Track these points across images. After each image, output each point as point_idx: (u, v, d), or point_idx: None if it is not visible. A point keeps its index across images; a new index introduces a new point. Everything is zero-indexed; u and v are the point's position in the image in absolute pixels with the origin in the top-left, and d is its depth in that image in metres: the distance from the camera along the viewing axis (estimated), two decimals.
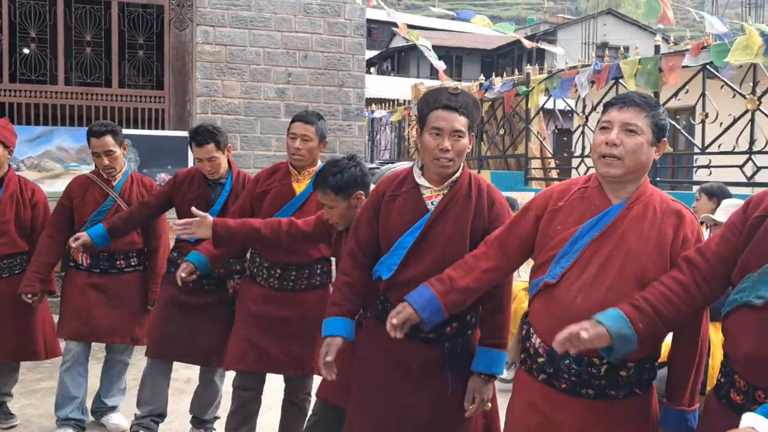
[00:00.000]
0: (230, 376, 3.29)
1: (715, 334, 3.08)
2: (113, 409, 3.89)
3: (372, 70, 28.43)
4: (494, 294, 2.44)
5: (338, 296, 2.57)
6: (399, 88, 16.75)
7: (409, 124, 11.46)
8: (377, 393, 2.53)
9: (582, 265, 2.06)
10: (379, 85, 17.79)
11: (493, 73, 9.00)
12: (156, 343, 3.52)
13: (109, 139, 3.67)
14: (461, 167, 2.52)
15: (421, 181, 2.52)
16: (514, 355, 2.37)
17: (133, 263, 3.77)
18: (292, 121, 3.28)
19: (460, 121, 2.40)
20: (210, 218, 2.88)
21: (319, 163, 3.28)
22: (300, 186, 3.27)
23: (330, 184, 2.74)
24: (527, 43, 6.96)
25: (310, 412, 2.92)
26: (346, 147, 6.98)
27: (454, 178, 2.49)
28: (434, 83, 11.49)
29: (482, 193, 2.50)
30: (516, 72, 8.93)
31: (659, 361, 2.19)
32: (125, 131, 6.27)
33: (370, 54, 26.82)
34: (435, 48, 8.40)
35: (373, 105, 13.36)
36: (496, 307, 2.46)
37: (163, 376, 3.57)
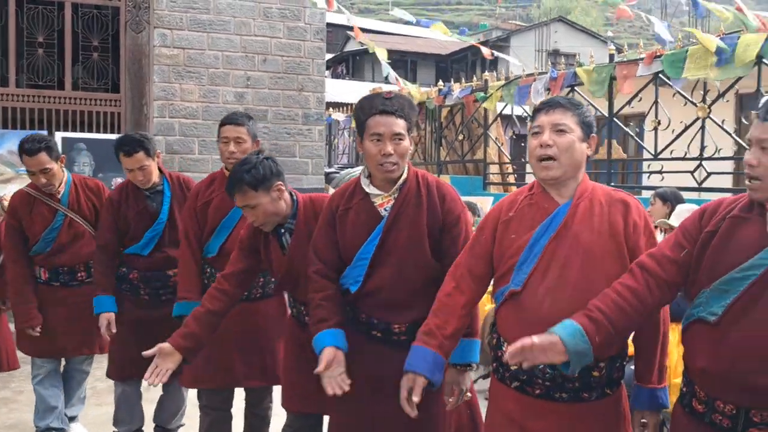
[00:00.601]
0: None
1: (672, 334, 3.18)
2: (73, 419, 3.80)
3: (327, 73, 28.35)
4: None
5: (322, 312, 2.52)
6: (356, 92, 16.76)
7: None
8: (354, 402, 2.53)
9: (543, 268, 2.09)
10: (335, 89, 17.75)
11: (452, 79, 9.10)
12: (120, 367, 3.40)
13: (43, 156, 3.43)
14: (406, 168, 2.53)
15: (370, 189, 2.52)
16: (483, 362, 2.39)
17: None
18: (222, 125, 3.18)
19: (399, 124, 2.41)
20: (167, 346, 2.61)
21: None
22: None
23: (247, 182, 2.64)
24: (485, 51, 7.05)
25: (284, 425, 2.89)
26: (306, 151, 6.96)
27: (402, 180, 2.50)
28: (393, 88, 11.54)
29: (432, 190, 2.51)
30: (473, 78, 9.04)
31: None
32: (79, 135, 6.16)
33: (326, 57, 26.76)
34: (390, 52, 8.44)
35: (331, 109, 13.33)
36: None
37: (136, 394, 3.47)
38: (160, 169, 3.49)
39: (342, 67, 32.02)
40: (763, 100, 1.84)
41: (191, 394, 3.40)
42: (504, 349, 2.17)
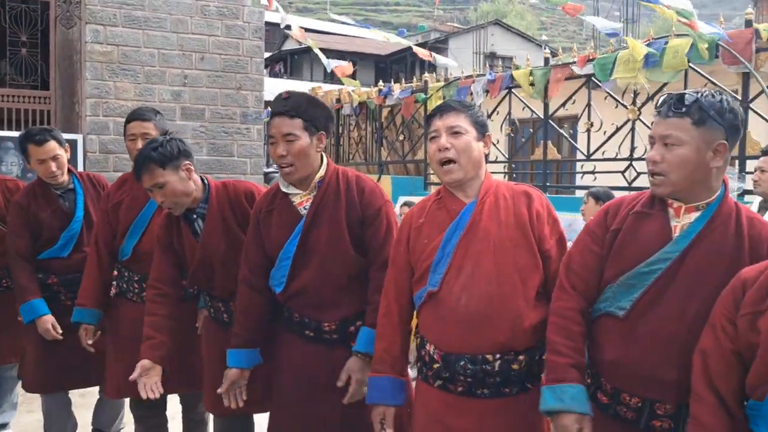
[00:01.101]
0: None
1: None
2: (5, 426, 3.66)
3: (265, 72, 28.07)
4: (376, 277, 2.46)
5: (236, 328, 2.56)
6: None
7: None
8: (289, 401, 2.53)
9: (457, 266, 2.13)
10: (274, 88, 17.59)
11: (392, 80, 9.15)
12: (42, 379, 3.24)
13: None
14: (325, 165, 2.54)
15: (288, 189, 2.53)
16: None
17: None
18: (128, 122, 3.09)
19: (291, 124, 2.41)
20: (146, 362, 2.62)
21: None
22: None
23: (155, 159, 2.61)
24: (423, 53, 7.12)
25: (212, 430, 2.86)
26: (245, 150, 6.87)
27: (319, 177, 2.51)
28: (332, 87, 11.52)
29: (351, 185, 2.52)
30: (413, 78, 9.12)
31: None
32: (7, 133, 5.90)
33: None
34: (329, 52, 8.42)
35: (269, 108, 13.19)
36: (379, 286, 2.44)
37: (64, 403, 3.34)
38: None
39: (280, 65, 31.73)
40: (662, 98, 1.93)
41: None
42: (427, 348, 2.20)
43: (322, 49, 7.69)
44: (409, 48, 8.31)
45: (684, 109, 1.83)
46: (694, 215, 1.87)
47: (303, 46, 8.12)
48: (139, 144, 2.98)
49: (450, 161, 2.14)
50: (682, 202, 1.89)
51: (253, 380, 2.58)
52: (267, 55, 30.14)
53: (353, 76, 8.68)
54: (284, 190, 2.53)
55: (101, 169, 5.89)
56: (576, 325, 1.98)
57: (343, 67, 7.53)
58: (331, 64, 8.08)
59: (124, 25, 6.24)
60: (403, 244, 2.29)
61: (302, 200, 2.51)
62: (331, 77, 10.01)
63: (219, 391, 2.48)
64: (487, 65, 7.44)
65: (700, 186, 1.87)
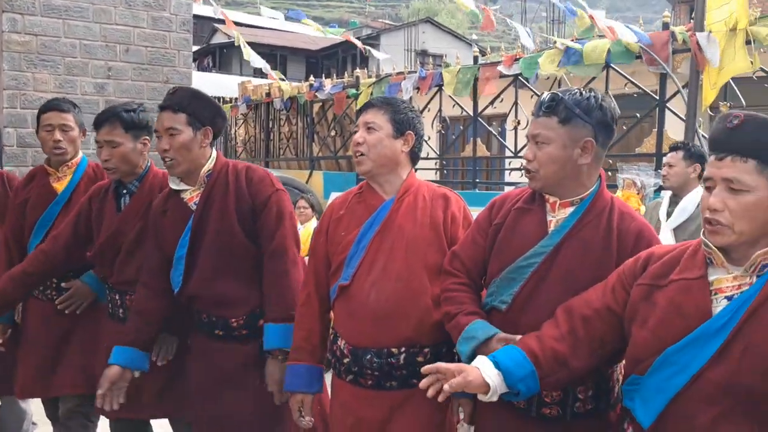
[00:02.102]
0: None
1: None
2: None
3: (193, 65, 27.42)
4: (269, 268, 2.46)
5: (127, 324, 2.54)
6: (223, 85, 16.36)
7: (236, 123, 11.24)
8: (198, 398, 2.52)
9: (370, 261, 2.18)
10: (202, 82, 17.22)
11: (319, 74, 9.12)
12: None
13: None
14: (214, 159, 2.54)
15: (178, 186, 2.52)
16: None
17: None
18: (42, 112, 2.98)
19: (174, 118, 2.41)
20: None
21: (82, 155, 3.07)
22: (61, 184, 3.00)
23: (123, 119, 2.64)
24: (359, 44, 7.13)
25: None
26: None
27: (207, 171, 2.50)
28: (262, 82, 11.39)
29: (240, 176, 2.52)
30: (345, 74, 9.11)
31: None
32: None
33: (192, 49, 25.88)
34: (259, 46, 8.32)
35: None
36: (273, 279, 2.45)
37: None
38: None
39: (209, 59, 31.10)
40: (537, 100, 2.01)
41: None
42: (338, 343, 2.25)
43: (251, 44, 7.59)
44: (341, 44, 8.30)
45: (551, 109, 1.90)
46: (569, 210, 1.94)
47: (233, 39, 7.99)
48: (57, 134, 2.91)
49: (361, 154, 2.20)
50: (557, 198, 1.96)
51: (149, 383, 2.56)
52: (195, 48, 29.54)
53: (283, 71, 8.60)
54: (174, 187, 2.52)
55: (19, 164, 5.63)
56: (463, 292, 2.05)
57: (270, 71, 7.45)
58: (256, 60, 7.98)
59: (43, 14, 5.99)
60: (323, 235, 2.32)
61: (192, 195, 2.50)
62: (262, 72, 9.89)
63: (98, 392, 2.40)
64: (419, 63, 7.50)
65: (572, 182, 1.93)
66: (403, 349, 2.14)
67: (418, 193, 2.24)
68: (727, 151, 1.58)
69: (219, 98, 12.12)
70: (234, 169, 2.52)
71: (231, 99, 11.20)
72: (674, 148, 3.98)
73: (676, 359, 1.59)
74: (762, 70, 4.62)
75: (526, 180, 2.03)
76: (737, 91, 4.80)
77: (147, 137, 2.71)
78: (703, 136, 4.45)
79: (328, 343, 2.35)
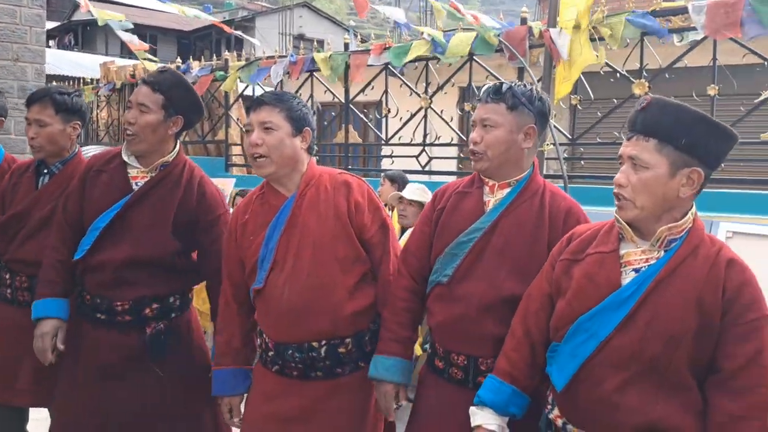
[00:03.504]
0: None
1: None
2: None
3: (51, 43, 25.58)
4: (214, 288, 2.47)
5: (50, 274, 2.44)
6: (83, 65, 15.38)
7: (98, 106, 10.61)
8: (78, 391, 2.41)
9: (280, 262, 2.20)
10: (62, 61, 16.12)
11: (191, 56, 8.80)
12: None
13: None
14: (176, 152, 2.48)
15: (129, 159, 2.45)
16: None
17: None
18: None
19: (150, 97, 2.37)
20: None
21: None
22: None
23: (55, 101, 2.63)
24: (227, 29, 6.94)
25: None
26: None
27: (164, 161, 2.44)
28: (127, 62, 10.81)
29: (193, 183, 2.48)
30: (214, 56, 8.84)
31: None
32: None
33: (50, 25, 24.13)
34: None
35: (54, 82, 12.07)
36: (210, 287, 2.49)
37: None
38: None
39: (70, 37, 29.13)
40: (484, 87, 2.16)
41: None
42: (263, 337, 2.28)
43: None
44: (214, 25, 8.03)
45: (500, 96, 2.06)
46: (506, 191, 2.10)
47: (96, 17, 7.52)
48: None
49: (261, 156, 2.17)
50: (496, 180, 2.12)
51: (24, 368, 2.45)
52: (53, 25, 27.55)
53: (153, 52, 8.21)
54: (125, 158, 2.45)
55: None
56: (401, 302, 2.18)
57: (136, 45, 7.10)
58: (124, 37, 7.58)
59: None
60: (233, 240, 2.31)
61: (138, 175, 2.43)
62: (128, 52, 9.38)
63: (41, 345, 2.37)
64: (291, 46, 7.41)
65: (512, 164, 2.10)
66: (323, 342, 2.17)
67: (319, 184, 2.25)
68: (634, 131, 1.73)
69: (79, 79, 11.39)
70: (190, 172, 2.47)
71: (92, 80, 10.55)
72: None
73: (588, 327, 1.71)
74: (608, 65, 4.95)
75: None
76: (586, 85, 5.13)
77: (78, 122, 2.67)
78: (555, 126, 4.71)
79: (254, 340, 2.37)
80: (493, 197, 2.11)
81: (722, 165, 4.97)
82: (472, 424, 1.87)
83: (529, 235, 2.04)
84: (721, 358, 1.63)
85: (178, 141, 2.52)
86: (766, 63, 4.36)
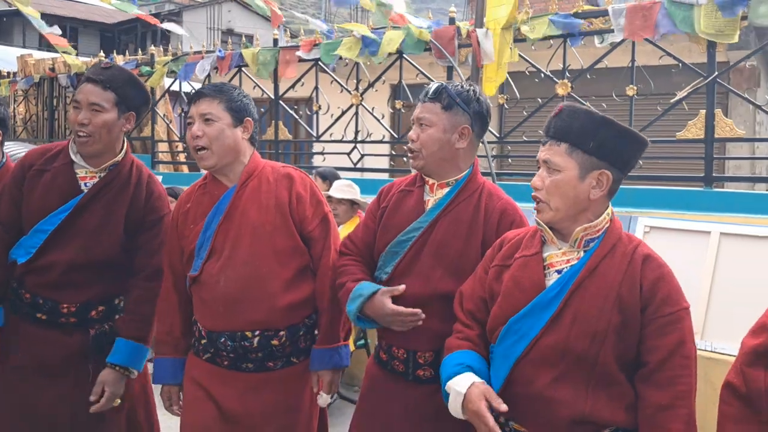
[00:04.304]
0: None
1: None
2: None
3: None
4: (142, 287, 2.43)
5: None
6: (1, 57, 14.67)
7: (15, 101, 10.15)
8: (9, 392, 2.35)
9: (217, 250, 2.20)
10: None
11: (115, 50, 8.52)
12: None
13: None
14: (124, 151, 2.44)
15: (77, 158, 2.40)
16: None
17: None
18: None
19: (101, 95, 2.32)
20: None
21: None
22: None
23: None
24: (154, 22, 6.75)
25: None
26: None
27: (114, 161, 2.40)
28: (45, 55, 10.38)
29: (142, 183, 2.47)
30: (140, 50, 8.59)
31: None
32: None
33: None
34: (45, 16, 7.60)
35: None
36: (144, 297, 2.42)
37: None
38: None
39: None
40: (432, 87, 2.18)
41: None
42: (198, 326, 2.27)
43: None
44: (140, 18, 7.79)
45: (436, 96, 2.10)
46: (445, 190, 2.14)
47: (12, 8, 7.18)
48: None
49: (203, 148, 2.17)
50: (435, 180, 2.15)
51: None
52: None
53: (75, 45, 7.91)
54: (73, 157, 2.38)
55: None
56: (352, 265, 2.21)
57: (57, 37, 6.83)
58: (44, 29, 7.27)
59: None
60: (174, 230, 2.30)
61: (87, 176, 2.37)
62: (48, 44, 9.00)
63: None
64: (219, 41, 7.28)
65: (449, 164, 2.13)
66: (257, 333, 2.17)
67: (262, 176, 2.25)
68: (548, 136, 1.80)
69: None
70: (138, 171, 2.43)
71: (9, 73, 10.07)
72: None
73: (517, 328, 1.76)
74: (532, 65, 5.08)
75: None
76: (513, 85, 5.25)
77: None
78: None
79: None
80: (433, 197, 2.15)
81: (640, 163, 5.20)
82: (462, 390, 1.78)
83: (464, 235, 2.09)
84: (646, 351, 1.70)
85: (125, 139, 2.47)
86: (680, 65, 4.57)
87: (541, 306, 1.75)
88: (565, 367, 1.72)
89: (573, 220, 1.78)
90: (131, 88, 2.40)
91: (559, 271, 1.79)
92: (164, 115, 7.91)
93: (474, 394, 1.74)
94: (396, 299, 2.07)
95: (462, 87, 2.14)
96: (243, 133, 2.24)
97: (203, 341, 2.23)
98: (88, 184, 2.37)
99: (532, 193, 1.82)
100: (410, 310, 2.01)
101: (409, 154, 2.17)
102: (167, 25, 6.62)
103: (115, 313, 2.46)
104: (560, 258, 1.80)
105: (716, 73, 4.33)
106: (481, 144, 4.70)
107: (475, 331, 1.92)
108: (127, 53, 8.42)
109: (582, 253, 1.78)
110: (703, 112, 4.38)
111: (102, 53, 7.83)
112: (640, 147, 1.81)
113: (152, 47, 7.55)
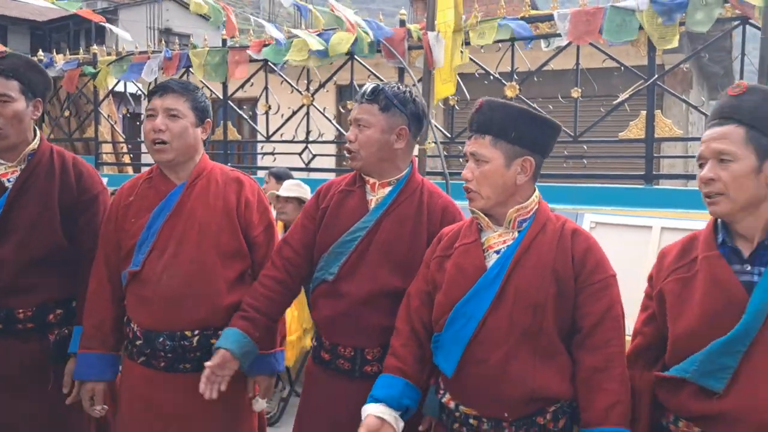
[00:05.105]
0: None
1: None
2: None
3: None
4: (87, 268, 2.37)
5: None
6: None
7: None
8: None
9: (161, 247, 2.19)
10: None
11: (41, 49, 8.27)
12: None
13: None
14: (38, 139, 2.39)
15: None
16: None
17: None
18: None
19: (6, 85, 2.26)
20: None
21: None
22: None
23: None
24: (98, 19, 6.59)
25: None
26: None
27: (30, 149, 2.35)
28: None
29: (67, 166, 2.41)
30: (80, 50, 8.36)
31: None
32: None
33: None
34: None
35: None
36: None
37: None
38: None
39: None
40: (368, 88, 2.23)
41: None
42: (131, 326, 2.22)
43: None
44: (72, 16, 7.57)
45: (373, 97, 2.14)
46: (387, 189, 2.18)
47: None
48: None
49: (163, 142, 2.17)
50: (376, 179, 2.18)
51: None
52: None
53: (3, 42, 7.63)
54: None
55: None
56: (263, 288, 2.18)
57: None
58: None
59: None
60: (112, 222, 2.26)
61: (7, 171, 2.31)
62: None
63: None
64: (163, 42, 7.18)
65: (388, 164, 2.17)
66: (196, 332, 2.17)
67: (210, 177, 2.26)
68: (472, 130, 1.90)
69: None
70: (60, 156, 2.35)
71: None
72: None
73: (465, 311, 1.84)
74: (482, 68, 5.22)
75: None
76: (463, 87, 5.38)
77: None
78: (435, 125, 4.91)
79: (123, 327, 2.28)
80: (375, 196, 2.18)
81: (584, 162, 5.35)
82: (363, 415, 1.91)
83: (409, 232, 2.14)
84: (579, 318, 1.84)
85: (35, 127, 2.42)
86: (622, 68, 4.78)
87: (484, 286, 1.85)
88: (513, 344, 1.81)
89: (503, 205, 1.90)
90: (34, 73, 2.34)
91: (497, 252, 1.89)
92: (108, 115, 7.74)
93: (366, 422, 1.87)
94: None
95: (398, 88, 2.19)
96: (202, 134, 2.27)
97: (138, 342, 2.20)
98: (11, 179, 2.31)
99: (464, 185, 1.92)
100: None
101: (348, 155, 2.20)
102: (109, 26, 6.45)
103: (73, 316, 2.41)
104: (497, 240, 1.91)
105: (656, 75, 4.56)
106: (434, 144, 4.82)
107: (409, 350, 1.99)
108: (68, 51, 8.18)
109: (516, 234, 1.90)
110: (643, 113, 4.60)
111: (42, 52, 7.60)
112: (555, 132, 1.96)
113: (95, 46, 7.38)
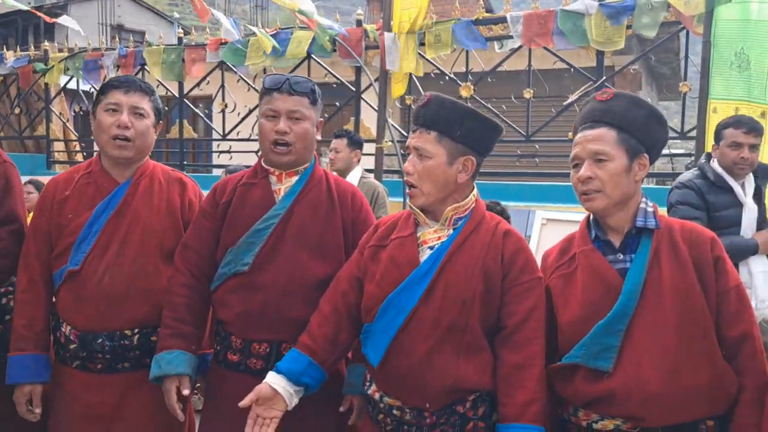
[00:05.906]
0: None
1: None
2: None
3: None
4: (4, 237, 2.32)
5: None
6: None
7: None
8: None
9: (103, 246, 2.16)
10: None
11: (3, 46, 8.08)
12: None
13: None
14: None
15: None
16: None
17: None
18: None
19: None
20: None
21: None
22: None
23: None
24: (46, 18, 6.47)
25: None
26: None
27: None
28: None
29: None
30: (30, 46, 8.18)
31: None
32: None
33: None
34: None
35: None
36: (5, 247, 2.32)
37: None
38: None
39: None
40: (299, 81, 2.22)
41: None
42: (63, 330, 2.17)
43: None
44: (20, 11, 7.39)
45: (306, 91, 2.14)
46: (294, 178, 2.17)
47: None
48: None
49: (126, 139, 2.15)
50: (282, 170, 2.17)
51: None
52: None
53: None
54: None
55: None
56: (179, 297, 2.13)
57: None
58: None
59: None
60: (45, 216, 2.20)
61: None
62: None
63: None
64: (117, 39, 7.07)
65: (310, 154, 2.19)
66: (136, 331, 2.15)
67: (153, 176, 2.25)
68: (417, 125, 1.92)
69: None
70: None
71: None
72: (338, 135, 4.45)
73: (396, 303, 1.87)
74: (438, 69, 5.32)
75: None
76: (419, 86, 5.46)
77: None
78: (392, 124, 4.98)
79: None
80: (283, 185, 2.17)
81: (537, 161, 5.47)
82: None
83: (323, 217, 2.15)
84: (505, 316, 1.89)
85: None
86: (572, 69, 4.93)
87: (416, 280, 1.87)
88: (439, 338, 1.84)
89: (442, 203, 1.92)
90: None
91: (431, 248, 1.92)
92: (60, 113, 7.59)
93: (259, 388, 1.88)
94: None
95: (312, 81, 2.19)
96: (155, 135, 2.29)
97: (72, 346, 2.15)
98: None
99: (405, 178, 1.95)
100: None
101: (277, 147, 2.13)
102: (63, 20, 6.34)
103: (5, 314, 2.35)
104: (432, 236, 1.94)
105: (604, 77, 4.72)
106: (391, 143, 4.89)
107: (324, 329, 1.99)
108: (17, 48, 7.99)
109: (451, 231, 1.93)
110: None
111: None
112: (498, 134, 1.99)
113: (46, 43, 7.23)
